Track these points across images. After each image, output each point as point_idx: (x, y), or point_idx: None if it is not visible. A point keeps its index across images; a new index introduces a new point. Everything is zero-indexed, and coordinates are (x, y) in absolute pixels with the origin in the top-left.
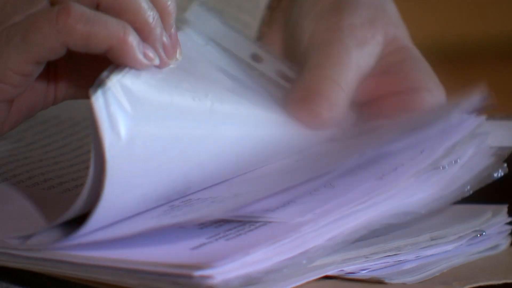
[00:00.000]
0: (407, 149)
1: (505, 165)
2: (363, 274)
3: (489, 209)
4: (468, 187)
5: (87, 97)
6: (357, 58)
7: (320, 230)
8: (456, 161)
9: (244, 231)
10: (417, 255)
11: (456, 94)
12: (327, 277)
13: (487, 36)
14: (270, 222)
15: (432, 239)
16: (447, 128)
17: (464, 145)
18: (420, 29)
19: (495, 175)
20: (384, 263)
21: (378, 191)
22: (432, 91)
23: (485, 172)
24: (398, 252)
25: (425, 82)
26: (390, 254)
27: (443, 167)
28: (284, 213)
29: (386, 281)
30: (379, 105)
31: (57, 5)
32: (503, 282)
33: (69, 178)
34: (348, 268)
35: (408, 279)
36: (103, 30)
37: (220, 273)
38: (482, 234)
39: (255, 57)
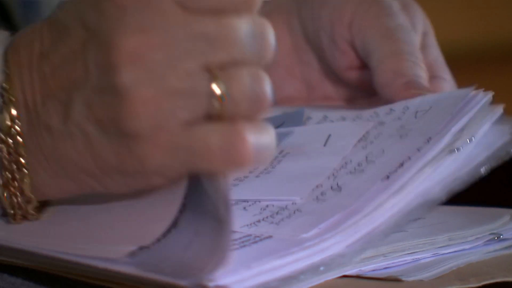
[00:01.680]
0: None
1: None
2: (380, 272)
3: (507, 212)
4: (484, 168)
5: None
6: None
7: (336, 238)
8: (470, 140)
9: (248, 243)
10: (434, 253)
11: None
12: (343, 276)
13: (487, 39)
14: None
15: (450, 239)
16: (453, 111)
17: (477, 122)
18: None
19: None
20: (402, 261)
21: (386, 195)
22: (448, 80)
23: (502, 149)
24: (416, 251)
25: (442, 71)
26: (409, 253)
27: (458, 149)
28: (289, 227)
29: (403, 278)
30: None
31: (231, 136)
32: None
33: None
34: (366, 267)
35: (425, 275)
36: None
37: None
38: (499, 237)
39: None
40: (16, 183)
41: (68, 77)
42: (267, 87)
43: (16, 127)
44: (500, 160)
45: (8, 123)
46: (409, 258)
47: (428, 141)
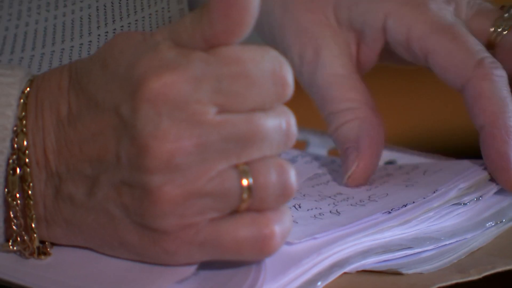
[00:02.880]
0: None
1: None
2: (380, 265)
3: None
4: (492, 223)
5: None
6: None
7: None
8: (478, 199)
9: None
10: (436, 245)
11: None
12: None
13: None
14: None
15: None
16: (461, 171)
17: (486, 184)
18: None
19: None
20: (403, 254)
21: (386, 223)
22: None
23: (509, 208)
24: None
25: None
26: (410, 246)
27: (464, 204)
28: None
29: (403, 271)
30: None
31: (260, 229)
32: None
33: None
34: (366, 261)
35: (425, 267)
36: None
37: None
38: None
39: None
40: (25, 238)
41: (97, 155)
42: (292, 178)
43: (28, 189)
44: (507, 218)
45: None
46: (409, 251)
47: (434, 192)
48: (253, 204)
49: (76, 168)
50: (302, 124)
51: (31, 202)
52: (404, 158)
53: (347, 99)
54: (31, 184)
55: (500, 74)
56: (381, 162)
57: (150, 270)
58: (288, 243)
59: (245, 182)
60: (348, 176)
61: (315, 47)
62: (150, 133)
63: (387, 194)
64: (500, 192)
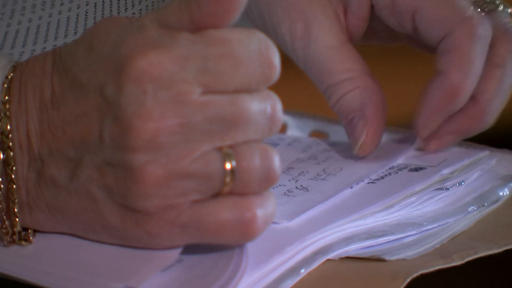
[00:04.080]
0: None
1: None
2: (363, 252)
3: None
4: (474, 207)
5: None
6: None
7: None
8: (461, 183)
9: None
10: (418, 230)
11: None
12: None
13: None
14: None
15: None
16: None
17: (469, 170)
18: None
19: (501, 193)
20: (386, 240)
21: (369, 208)
22: None
23: (491, 192)
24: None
25: None
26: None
27: (447, 188)
28: None
29: (387, 258)
30: None
31: (242, 212)
32: (504, 250)
33: None
34: (350, 247)
35: (408, 253)
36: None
37: None
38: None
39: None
40: (6, 223)
41: (80, 136)
42: (276, 163)
43: (11, 173)
44: (489, 203)
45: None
46: (392, 237)
47: (389, 166)
48: (236, 188)
49: (58, 150)
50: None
51: (14, 186)
52: (338, 133)
53: (345, 69)
54: (14, 168)
55: (483, 33)
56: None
57: (134, 259)
58: (275, 223)
59: (228, 165)
60: (359, 145)
61: (305, 21)
62: (134, 112)
63: (341, 169)
64: (482, 176)
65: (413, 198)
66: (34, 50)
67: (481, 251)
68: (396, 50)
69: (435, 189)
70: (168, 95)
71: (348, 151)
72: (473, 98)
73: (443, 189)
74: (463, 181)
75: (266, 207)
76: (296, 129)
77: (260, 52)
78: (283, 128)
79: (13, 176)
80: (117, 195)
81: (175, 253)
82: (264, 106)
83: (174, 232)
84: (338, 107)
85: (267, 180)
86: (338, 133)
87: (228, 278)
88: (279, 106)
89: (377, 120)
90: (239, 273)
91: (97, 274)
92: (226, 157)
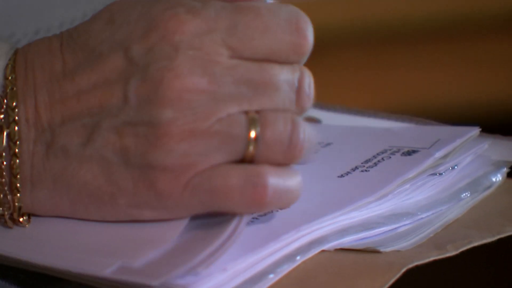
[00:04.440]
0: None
1: (504, 169)
2: (358, 243)
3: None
4: (467, 193)
5: None
6: None
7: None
8: (453, 167)
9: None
10: (412, 220)
11: None
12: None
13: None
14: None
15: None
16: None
17: (461, 153)
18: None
19: (494, 179)
20: (380, 231)
21: (363, 199)
22: None
23: (484, 177)
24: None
25: None
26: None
27: (440, 174)
28: None
29: (381, 249)
30: None
31: (252, 177)
32: (497, 239)
33: None
34: (344, 239)
35: (402, 244)
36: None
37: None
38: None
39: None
40: (8, 197)
41: (98, 102)
42: (303, 135)
43: (15, 148)
44: (482, 188)
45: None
46: (387, 227)
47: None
48: (258, 155)
49: (72, 119)
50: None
51: (17, 161)
52: (377, 124)
53: None
54: (18, 142)
55: None
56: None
57: (131, 240)
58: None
59: (252, 132)
60: None
61: None
62: (165, 67)
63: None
64: (474, 162)
65: (407, 185)
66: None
67: (475, 240)
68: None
69: (428, 175)
70: (198, 54)
71: (340, 137)
72: None
73: (436, 174)
74: (456, 165)
75: (281, 179)
76: None
77: (290, 21)
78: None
79: (16, 150)
80: (135, 155)
81: (174, 233)
82: (293, 77)
83: (184, 195)
84: None
85: (291, 151)
86: (330, 119)
87: (221, 242)
88: (308, 81)
89: None
90: (232, 238)
91: (93, 253)
92: (251, 122)
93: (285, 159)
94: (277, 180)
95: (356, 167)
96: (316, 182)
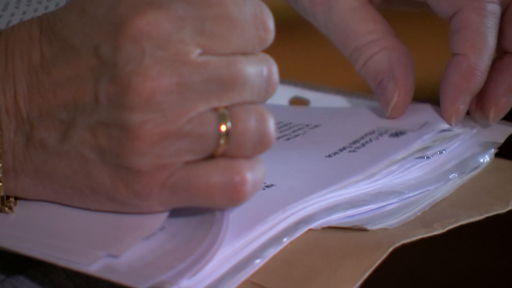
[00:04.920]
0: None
1: (492, 150)
2: (345, 221)
3: None
4: (455, 174)
5: None
6: None
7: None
8: (441, 152)
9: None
10: (400, 198)
11: None
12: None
13: None
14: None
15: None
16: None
17: (449, 140)
18: None
19: (481, 160)
20: (367, 208)
21: (351, 178)
22: None
23: (472, 159)
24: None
25: None
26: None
27: (428, 157)
28: None
29: (369, 227)
30: None
31: (231, 175)
32: (485, 217)
33: None
34: (331, 217)
35: (390, 222)
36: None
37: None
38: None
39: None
40: None
41: (72, 98)
42: (271, 127)
43: None
44: (469, 169)
45: None
46: (374, 205)
47: (397, 134)
48: (230, 150)
49: (49, 113)
50: None
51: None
52: (319, 99)
53: (369, 31)
54: None
55: (492, 10)
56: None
57: (117, 227)
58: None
59: (223, 127)
60: (391, 107)
61: None
62: (132, 71)
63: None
64: (462, 143)
65: (395, 167)
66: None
67: (462, 219)
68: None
69: (416, 158)
70: (166, 54)
71: (329, 119)
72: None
73: (424, 157)
74: (444, 150)
75: (256, 172)
76: (275, 97)
77: (255, 15)
78: (305, 104)
79: None
80: (110, 155)
81: (158, 222)
82: (261, 68)
83: (163, 194)
84: (365, 69)
85: (261, 144)
86: (319, 100)
87: (209, 245)
88: (275, 69)
89: (408, 80)
90: (219, 239)
91: (79, 242)
92: (221, 118)
93: (256, 152)
94: (253, 174)
95: (344, 148)
96: (303, 162)
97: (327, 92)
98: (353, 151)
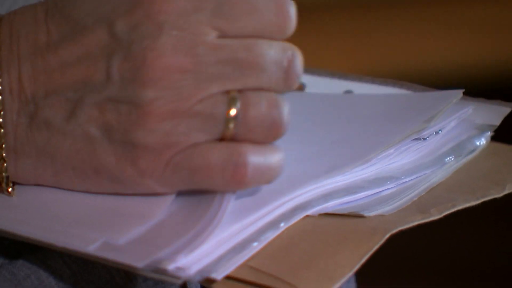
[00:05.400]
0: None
1: (488, 133)
2: (342, 208)
3: None
4: (451, 157)
5: None
6: None
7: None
8: (438, 132)
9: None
10: (396, 183)
11: None
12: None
13: None
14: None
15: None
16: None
17: (445, 117)
18: None
19: (478, 143)
20: (364, 195)
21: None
22: None
23: (468, 142)
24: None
25: None
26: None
27: (424, 138)
28: None
29: (365, 214)
30: None
31: (233, 156)
32: (481, 202)
33: None
34: (328, 203)
35: (386, 208)
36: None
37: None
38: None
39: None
40: None
41: (82, 77)
42: (284, 114)
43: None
44: (466, 152)
45: None
46: (371, 191)
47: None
48: (239, 134)
49: (56, 92)
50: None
51: (2, 131)
52: (361, 88)
53: None
54: (2, 112)
55: None
56: (340, 91)
57: (117, 214)
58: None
59: (233, 110)
60: None
61: None
62: (148, 46)
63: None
64: (458, 126)
65: (391, 150)
66: None
67: (459, 203)
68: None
69: (412, 140)
70: (182, 34)
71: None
72: None
73: (420, 139)
74: (440, 130)
75: (262, 158)
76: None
77: (275, 1)
78: (300, 88)
79: (0, 120)
80: (117, 132)
81: (159, 210)
82: (281, 57)
83: (166, 173)
84: None
85: (272, 130)
86: (315, 84)
87: (207, 223)
88: (298, 60)
89: None
90: (218, 218)
91: (77, 225)
92: (231, 101)
93: (267, 138)
94: (258, 158)
95: (348, 134)
96: (307, 146)
97: (322, 75)
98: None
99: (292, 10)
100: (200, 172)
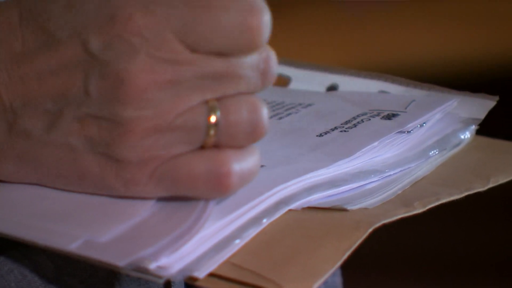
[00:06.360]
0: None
1: (473, 126)
2: (325, 201)
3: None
4: (435, 151)
5: None
6: None
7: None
8: (421, 125)
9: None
10: (380, 176)
11: None
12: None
13: None
14: None
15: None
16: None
17: (430, 110)
18: None
19: (462, 137)
20: (347, 188)
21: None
22: None
23: (452, 135)
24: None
25: None
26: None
27: (408, 132)
28: None
29: (349, 207)
30: None
31: (215, 165)
32: (465, 195)
33: None
34: (312, 197)
35: (370, 201)
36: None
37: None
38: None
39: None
40: None
41: (60, 88)
42: (263, 117)
43: None
44: (450, 145)
45: None
46: (354, 184)
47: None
48: (220, 141)
49: (34, 103)
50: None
51: None
52: (346, 81)
53: None
54: None
55: None
56: (322, 88)
57: (99, 213)
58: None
59: (213, 118)
60: None
61: None
62: (124, 67)
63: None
64: (443, 119)
65: (375, 143)
66: None
67: (443, 197)
68: None
69: (396, 132)
70: (157, 53)
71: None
72: None
73: (404, 132)
74: (424, 123)
75: (245, 162)
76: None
77: (244, 15)
78: (285, 82)
79: None
80: (99, 145)
81: (142, 209)
82: (257, 60)
83: (150, 183)
84: None
85: (253, 134)
86: (300, 77)
87: (191, 224)
88: (273, 61)
89: None
90: (203, 218)
91: (60, 224)
92: (211, 110)
93: (248, 141)
94: (240, 165)
95: (336, 127)
96: (294, 141)
97: (307, 68)
98: (345, 131)
99: (263, 22)
100: (184, 182)
